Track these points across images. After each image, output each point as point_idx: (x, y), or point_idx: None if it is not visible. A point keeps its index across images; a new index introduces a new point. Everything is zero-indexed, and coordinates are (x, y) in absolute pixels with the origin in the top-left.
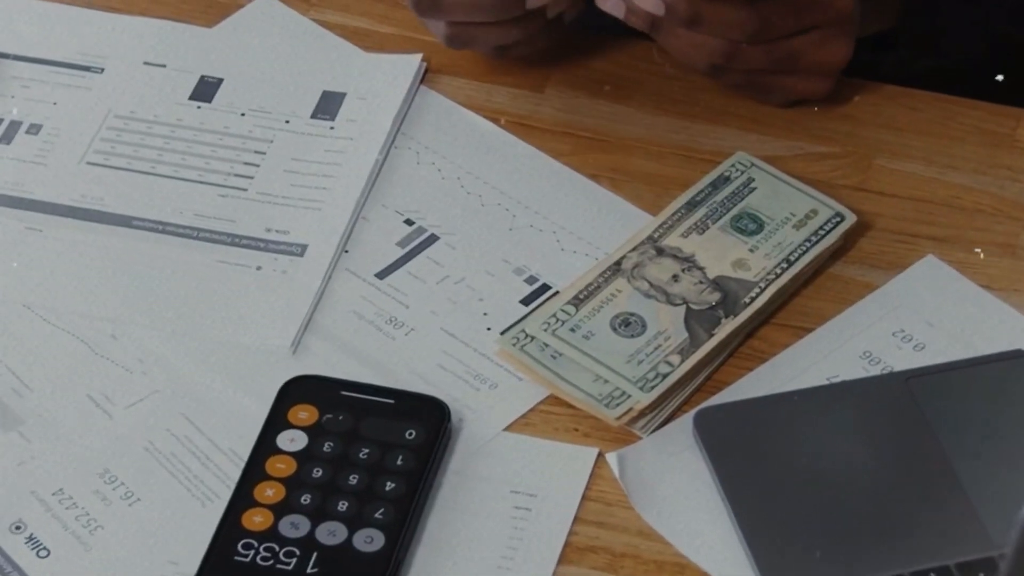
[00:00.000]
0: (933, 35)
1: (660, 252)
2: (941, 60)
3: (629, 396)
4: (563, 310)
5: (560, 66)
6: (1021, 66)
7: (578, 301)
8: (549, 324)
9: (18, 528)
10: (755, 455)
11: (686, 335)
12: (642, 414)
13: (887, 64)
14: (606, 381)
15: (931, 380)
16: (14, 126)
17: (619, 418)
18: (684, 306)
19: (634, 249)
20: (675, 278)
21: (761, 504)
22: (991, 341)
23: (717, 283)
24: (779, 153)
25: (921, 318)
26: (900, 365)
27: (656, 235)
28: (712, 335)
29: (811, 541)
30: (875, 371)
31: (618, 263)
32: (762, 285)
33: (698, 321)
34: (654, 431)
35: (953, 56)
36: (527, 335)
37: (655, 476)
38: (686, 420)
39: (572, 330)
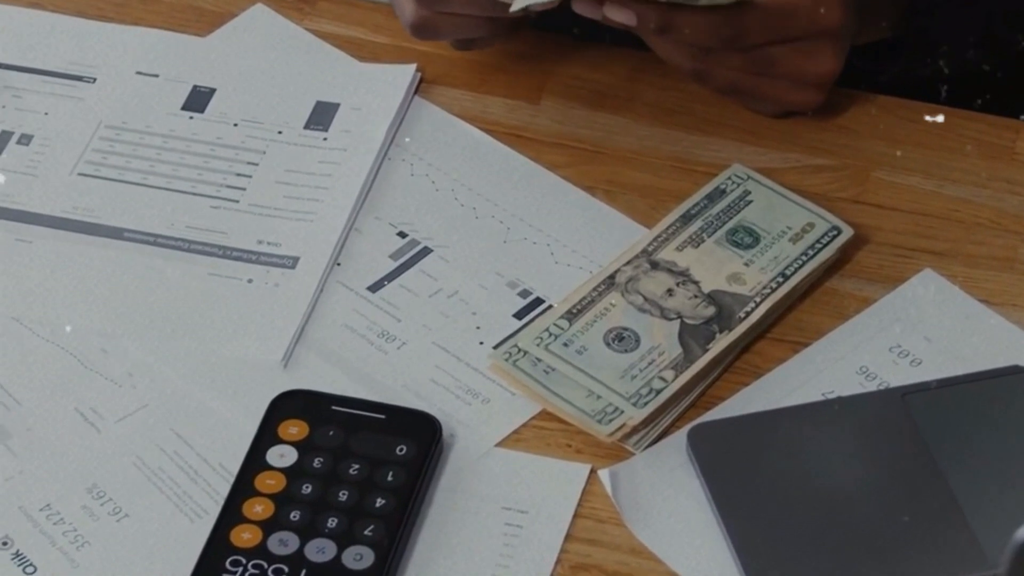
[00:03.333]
0: (933, 42)
1: (654, 266)
2: (941, 67)
3: (622, 412)
4: (556, 324)
5: (555, 77)
6: (1021, 72)
7: (571, 315)
8: (542, 339)
9: (5, 544)
10: (749, 472)
11: (680, 350)
12: (635, 430)
13: (887, 72)
14: (599, 397)
15: (928, 396)
16: (5, 136)
17: (612, 434)
18: (678, 320)
19: (628, 263)
20: (669, 292)
21: (755, 522)
22: (989, 357)
23: (712, 297)
24: (775, 165)
25: (919, 333)
26: (897, 381)
27: (651, 248)
28: (706, 350)
29: (806, 559)
30: (871, 387)
31: (612, 277)
32: (757, 299)
33: (692, 336)
34: (647, 447)
35: (953, 63)
36: (520, 350)
37: (648, 493)
38: (680, 436)
39: (565, 345)
